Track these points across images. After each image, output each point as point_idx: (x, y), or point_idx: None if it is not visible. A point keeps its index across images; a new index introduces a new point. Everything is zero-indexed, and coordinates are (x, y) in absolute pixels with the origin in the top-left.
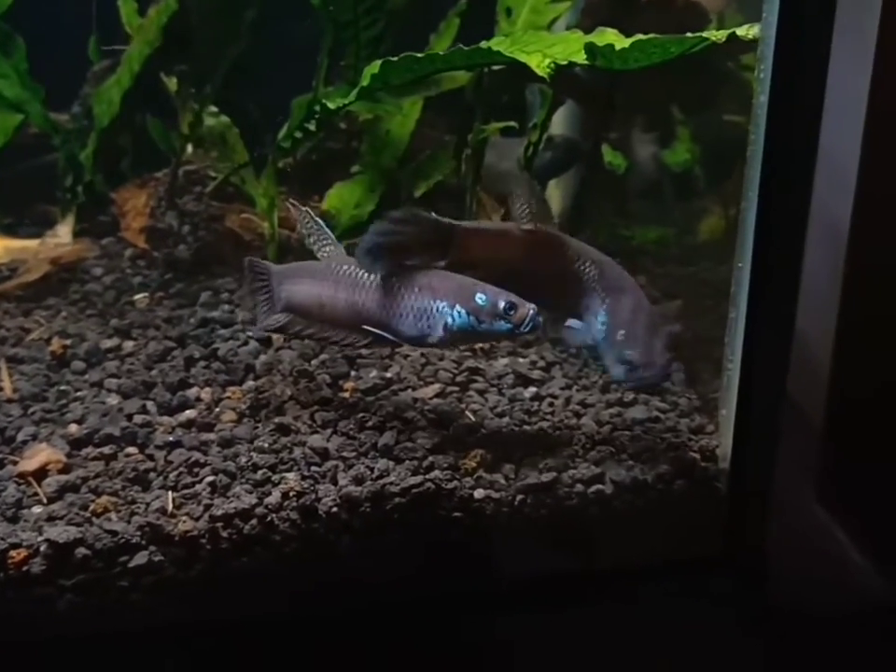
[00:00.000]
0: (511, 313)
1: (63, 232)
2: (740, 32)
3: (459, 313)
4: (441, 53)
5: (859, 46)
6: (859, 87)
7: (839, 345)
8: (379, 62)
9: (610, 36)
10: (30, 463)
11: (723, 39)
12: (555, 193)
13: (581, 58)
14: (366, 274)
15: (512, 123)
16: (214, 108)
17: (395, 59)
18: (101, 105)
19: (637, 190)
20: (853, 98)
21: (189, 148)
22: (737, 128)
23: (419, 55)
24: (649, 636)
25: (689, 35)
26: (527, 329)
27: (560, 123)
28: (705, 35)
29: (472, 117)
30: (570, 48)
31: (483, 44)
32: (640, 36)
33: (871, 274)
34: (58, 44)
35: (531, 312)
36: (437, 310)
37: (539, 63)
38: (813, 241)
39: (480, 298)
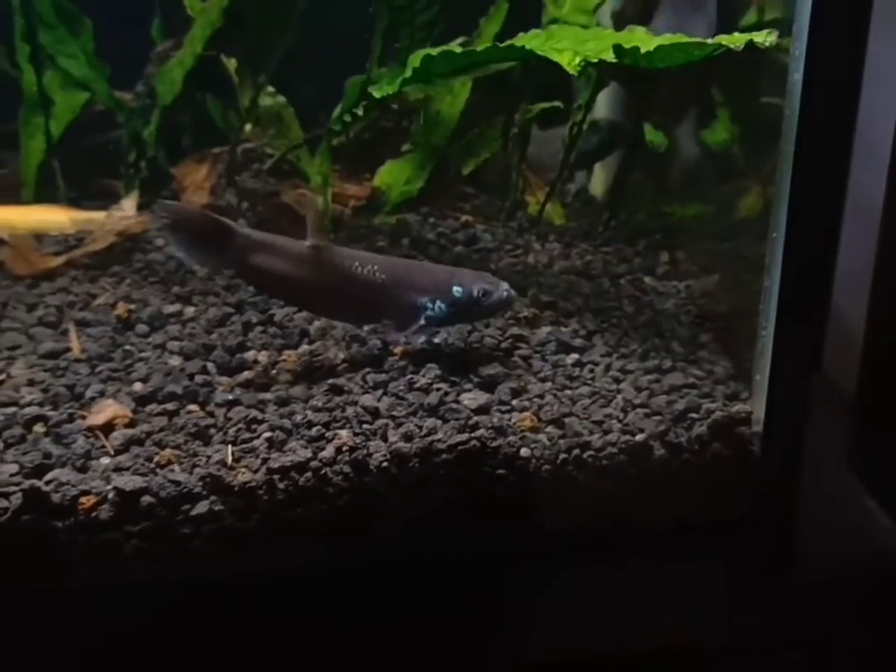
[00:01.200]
0: (487, 297)
1: (128, 206)
2: (758, 38)
3: (440, 307)
4: (477, 49)
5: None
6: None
7: (872, 318)
8: (420, 54)
9: (639, 36)
10: (97, 417)
11: (741, 46)
12: (600, 173)
13: (610, 56)
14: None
15: (558, 104)
16: (271, 88)
17: (435, 53)
18: (164, 84)
19: (678, 168)
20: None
21: (248, 127)
22: (775, 109)
23: (457, 50)
24: (680, 591)
25: (709, 40)
26: (503, 305)
27: (603, 104)
28: (722, 40)
29: (519, 97)
30: (601, 45)
31: (517, 41)
32: (667, 37)
33: None
34: (123, 25)
35: (504, 292)
36: (418, 306)
37: (569, 62)
38: (848, 217)
39: (456, 290)
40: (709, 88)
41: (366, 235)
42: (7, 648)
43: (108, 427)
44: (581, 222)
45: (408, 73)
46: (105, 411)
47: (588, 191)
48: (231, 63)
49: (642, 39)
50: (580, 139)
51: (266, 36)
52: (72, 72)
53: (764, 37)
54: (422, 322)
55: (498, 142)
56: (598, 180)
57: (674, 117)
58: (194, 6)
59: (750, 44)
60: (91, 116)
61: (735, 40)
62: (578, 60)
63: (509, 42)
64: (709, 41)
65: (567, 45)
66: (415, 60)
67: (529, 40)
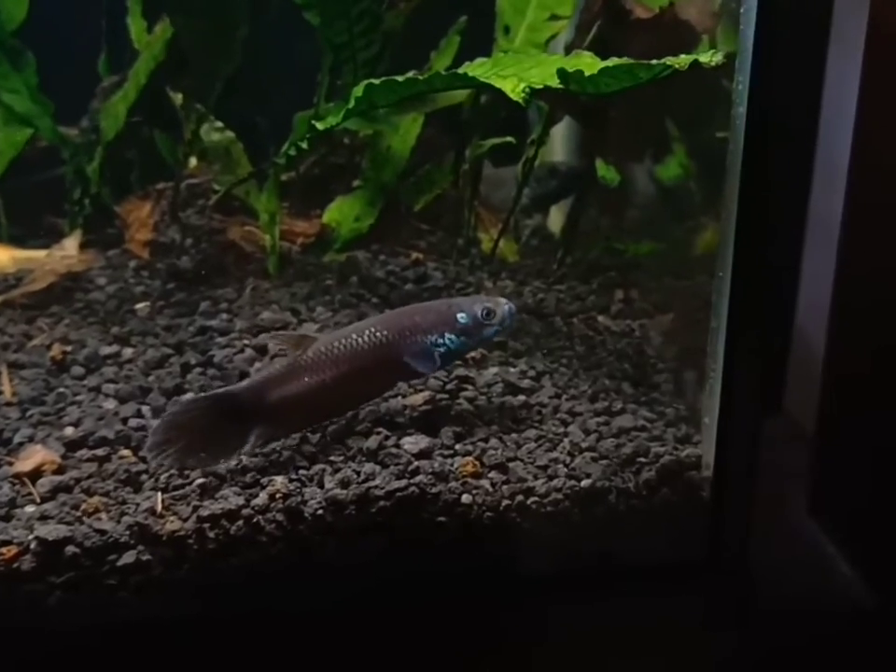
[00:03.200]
0: (492, 316)
1: (70, 245)
2: (703, 59)
3: (451, 339)
4: (421, 77)
5: (846, 53)
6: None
7: (830, 357)
8: (363, 84)
9: (585, 61)
10: (25, 464)
11: (685, 67)
12: (557, 211)
13: (555, 82)
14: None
15: (510, 139)
16: (219, 123)
17: (377, 82)
18: (107, 118)
19: (633, 205)
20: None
21: (194, 161)
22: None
23: (400, 78)
24: (630, 638)
25: (655, 61)
26: (509, 322)
27: (559, 142)
28: (668, 61)
29: (471, 133)
30: (546, 71)
31: (462, 69)
32: (613, 61)
33: (862, 285)
34: (68, 59)
35: (507, 307)
36: (430, 344)
37: (513, 88)
38: (808, 248)
39: (461, 318)
40: (664, 122)
41: (314, 273)
42: None
43: (36, 474)
44: (536, 259)
45: (351, 103)
46: (34, 457)
47: (546, 228)
48: (178, 97)
49: (588, 64)
50: (537, 181)
51: (207, 68)
52: (14, 107)
53: (710, 58)
54: (438, 362)
55: (449, 178)
56: (556, 218)
57: (629, 152)
58: (141, 39)
59: (697, 65)
60: (35, 152)
61: (681, 61)
62: (522, 86)
63: (452, 70)
64: (655, 62)
65: (512, 72)
66: (358, 90)
67: (474, 69)
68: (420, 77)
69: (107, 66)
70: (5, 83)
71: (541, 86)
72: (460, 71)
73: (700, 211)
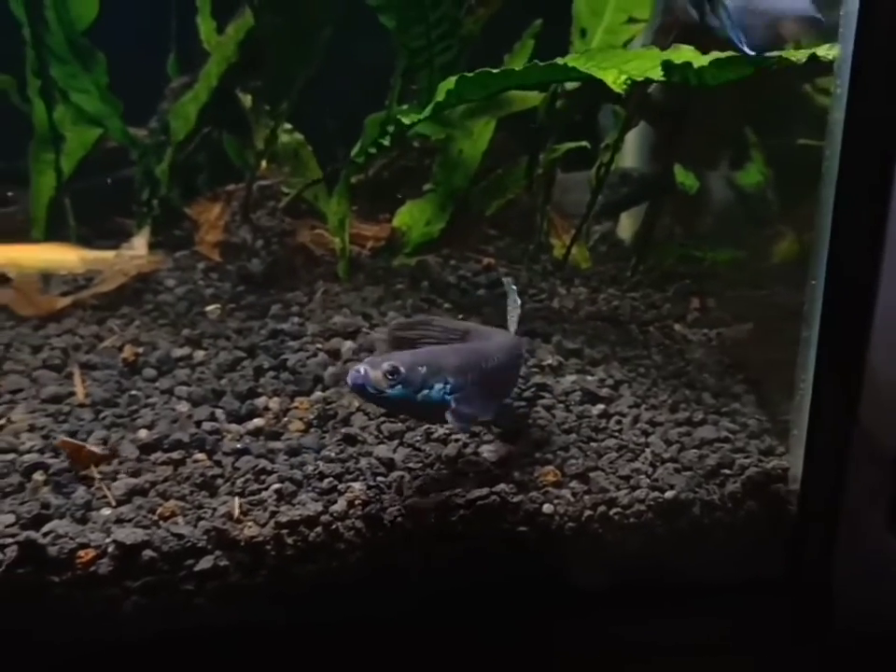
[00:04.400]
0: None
1: (139, 245)
2: (820, 52)
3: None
4: (516, 69)
5: None
6: None
7: None
8: (455, 77)
9: (687, 54)
10: None
11: (804, 60)
12: (627, 217)
13: (657, 74)
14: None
15: (585, 143)
16: (288, 125)
17: (470, 74)
18: (177, 120)
19: (709, 212)
20: None
21: (263, 164)
22: (811, 151)
23: (494, 70)
24: (711, 653)
25: (768, 54)
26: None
27: (631, 145)
28: (784, 53)
29: (544, 136)
30: (646, 64)
31: (559, 60)
32: (717, 54)
33: None
34: (138, 60)
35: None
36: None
37: (615, 79)
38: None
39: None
40: (742, 128)
41: (385, 277)
42: None
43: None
44: (608, 266)
45: (440, 96)
46: None
47: (615, 235)
48: (247, 99)
49: (691, 57)
50: (609, 187)
51: (285, 71)
52: (84, 107)
53: (826, 51)
54: None
55: (522, 183)
56: (625, 224)
57: (704, 158)
58: (210, 40)
59: (815, 59)
60: (102, 152)
61: (797, 54)
62: (623, 78)
63: (550, 62)
64: (769, 55)
65: (611, 64)
66: (449, 83)
67: (571, 61)
68: (516, 70)
69: (176, 67)
70: (74, 83)
71: (641, 78)
72: (559, 62)
73: (778, 219)
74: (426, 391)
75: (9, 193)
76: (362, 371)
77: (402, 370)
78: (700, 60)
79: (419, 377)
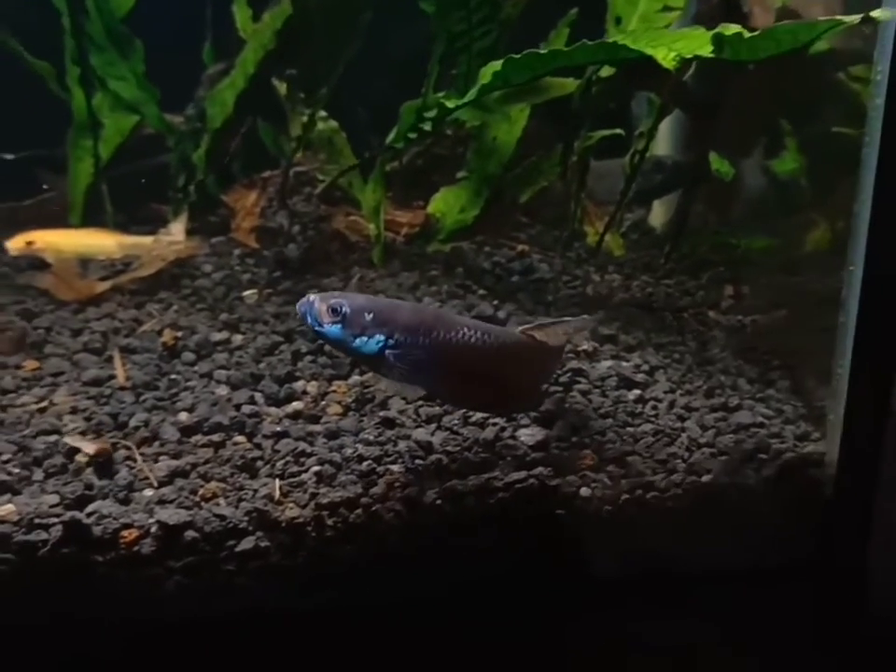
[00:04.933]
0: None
1: (177, 230)
2: (875, 14)
3: None
4: (564, 49)
5: None
6: None
7: None
8: (500, 60)
9: (736, 28)
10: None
11: (857, 21)
12: (659, 205)
13: (706, 51)
14: None
15: (619, 131)
16: (322, 112)
17: (517, 56)
18: (214, 106)
19: (743, 200)
20: None
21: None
22: (845, 139)
23: (542, 51)
24: (743, 637)
25: (820, 19)
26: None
27: (664, 133)
28: (838, 18)
29: (579, 124)
30: (695, 42)
31: (608, 39)
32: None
33: None
34: (173, 47)
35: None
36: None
37: (664, 56)
38: None
39: None
40: (776, 116)
41: (419, 263)
42: None
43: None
44: (641, 253)
45: (486, 78)
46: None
47: (647, 222)
48: (282, 87)
49: (741, 29)
50: (641, 175)
51: (321, 58)
52: (122, 94)
53: (880, 14)
54: None
55: (557, 170)
56: (658, 212)
57: (738, 146)
58: (246, 28)
59: (869, 20)
60: (138, 139)
61: (851, 19)
62: (673, 55)
63: (598, 41)
64: (821, 19)
65: (660, 42)
66: (495, 65)
67: (620, 39)
68: (563, 50)
69: (212, 55)
70: (112, 70)
71: (691, 55)
72: (608, 41)
73: (812, 207)
74: (363, 338)
75: (44, 186)
76: (310, 299)
77: (346, 309)
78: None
79: (361, 322)
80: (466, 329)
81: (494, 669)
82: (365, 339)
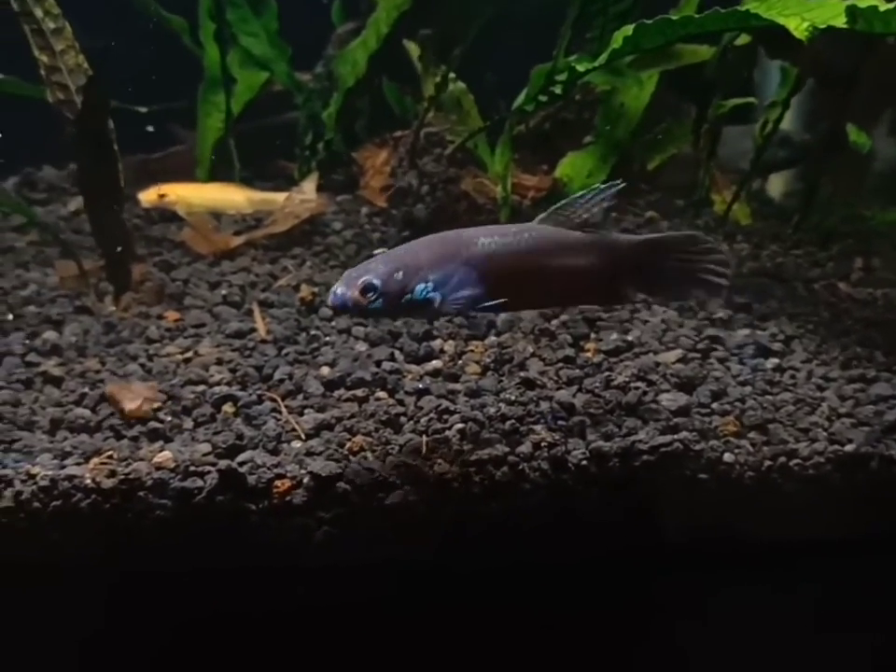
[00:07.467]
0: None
1: (309, 189)
2: None
3: None
4: (695, 16)
5: None
6: None
7: None
8: (631, 25)
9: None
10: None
11: None
12: (777, 176)
13: (840, 22)
14: None
15: (752, 99)
16: (451, 74)
17: (649, 21)
18: (345, 65)
19: (874, 171)
20: None
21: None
22: None
23: (674, 17)
24: (881, 605)
25: None
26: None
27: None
28: None
29: (711, 92)
30: (829, 12)
31: (740, 7)
32: None
33: None
34: (303, 5)
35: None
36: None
37: (797, 26)
38: None
39: None
40: None
41: None
42: (192, 624)
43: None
44: (768, 222)
45: (617, 43)
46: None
47: (765, 192)
48: (413, 48)
49: (876, 1)
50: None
51: (458, 19)
52: (253, 51)
53: None
54: None
55: (688, 137)
56: (775, 182)
57: (868, 118)
58: None
59: None
60: (265, 96)
61: None
62: (805, 25)
63: (731, 8)
64: None
65: (794, 11)
66: (626, 31)
67: (752, 7)
68: (695, 16)
69: (341, 14)
70: (244, 27)
71: (824, 26)
72: (739, 9)
73: None
74: (408, 296)
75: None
76: (339, 292)
77: (378, 283)
78: (886, 5)
79: (397, 285)
80: (484, 239)
81: (638, 631)
82: (409, 296)
